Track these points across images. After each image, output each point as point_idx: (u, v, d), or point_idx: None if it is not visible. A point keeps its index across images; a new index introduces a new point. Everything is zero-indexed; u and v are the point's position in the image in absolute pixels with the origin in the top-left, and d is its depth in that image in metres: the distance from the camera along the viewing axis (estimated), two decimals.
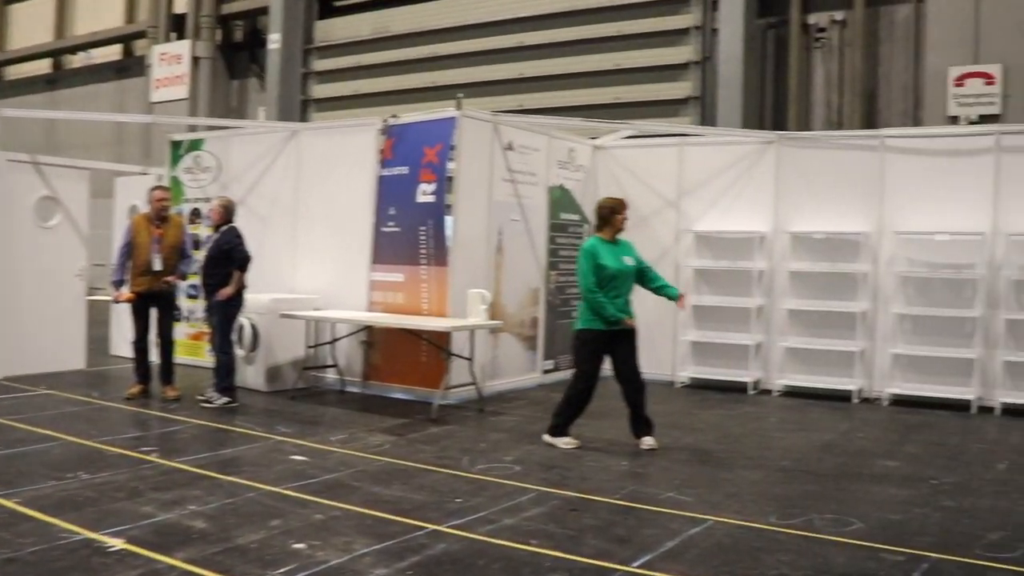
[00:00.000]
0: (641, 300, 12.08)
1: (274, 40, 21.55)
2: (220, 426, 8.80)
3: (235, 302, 9.78)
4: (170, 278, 9.99)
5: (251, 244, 9.95)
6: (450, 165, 10.37)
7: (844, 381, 11.11)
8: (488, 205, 10.87)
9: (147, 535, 5.48)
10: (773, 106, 15.88)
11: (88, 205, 12.23)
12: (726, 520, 6.06)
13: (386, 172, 10.89)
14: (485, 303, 9.95)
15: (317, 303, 11.06)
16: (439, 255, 10.34)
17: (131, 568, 4.95)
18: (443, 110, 10.77)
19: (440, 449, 8.00)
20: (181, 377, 10.44)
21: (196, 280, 10.76)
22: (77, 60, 28.64)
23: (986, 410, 10.35)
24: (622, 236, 8.45)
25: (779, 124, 15.26)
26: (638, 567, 5.17)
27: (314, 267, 11.53)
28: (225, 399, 9.71)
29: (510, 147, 11.14)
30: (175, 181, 12.91)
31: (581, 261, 8.10)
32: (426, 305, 10.43)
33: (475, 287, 10.13)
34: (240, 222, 10.12)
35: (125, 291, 9.96)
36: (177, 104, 23.31)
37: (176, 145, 13.12)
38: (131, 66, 26.24)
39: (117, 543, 5.31)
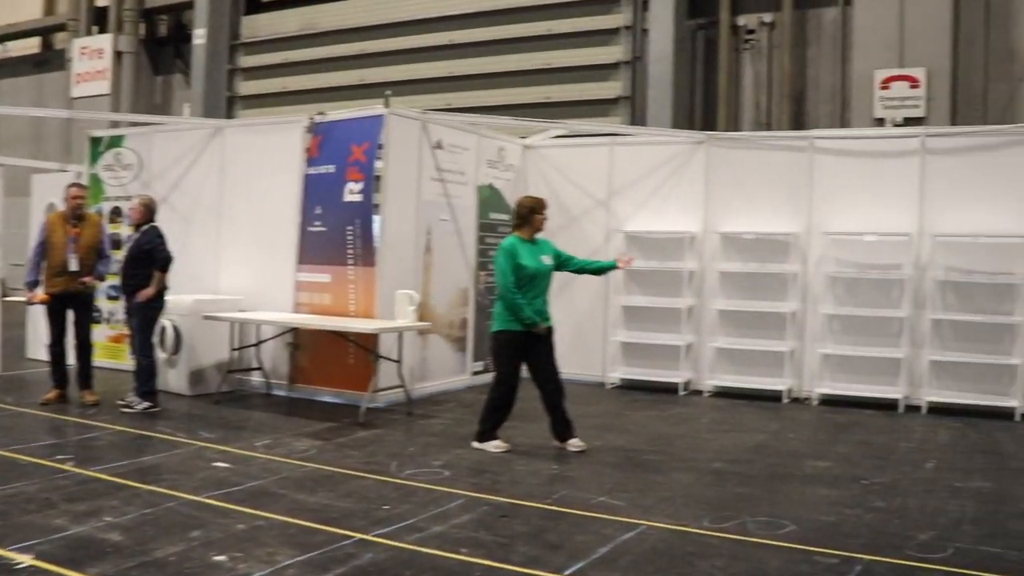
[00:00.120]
0: (572, 300, 12.19)
1: (199, 35, 21.12)
2: (140, 432, 8.52)
3: (156, 304, 9.50)
4: (87, 279, 9.67)
5: (173, 244, 9.67)
6: (378, 164, 10.20)
7: (774, 381, 11.16)
8: (416, 204, 10.72)
9: (58, 550, 5.24)
10: (703, 107, 15.93)
11: (3, 203, 11.84)
12: (659, 525, 5.99)
13: (312, 171, 10.69)
14: (413, 304, 9.80)
15: (242, 304, 10.81)
16: (366, 255, 10.17)
17: None
18: (371, 108, 10.60)
19: (368, 454, 7.84)
20: (100, 381, 10.12)
21: (116, 281, 10.43)
22: None
23: (913, 409, 10.47)
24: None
25: (708, 125, 15.32)
26: (570, 575, 5.08)
27: (238, 268, 11.27)
28: (146, 404, 9.42)
29: (439, 146, 11.00)
30: (95, 179, 12.55)
31: (499, 260, 7.98)
32: (353, 306, 10.25)
33: (403, 288, 9.98)
34: (162, 221, 9.83)
35: (39, 292, 9.62)
36: (99, 100, 22.71)
37: (96, 142, 12.75)
38: (50, 60, 25.52)
39: (25, 559, 5.07)
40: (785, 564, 5.31)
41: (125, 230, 11.63)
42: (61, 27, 24.99)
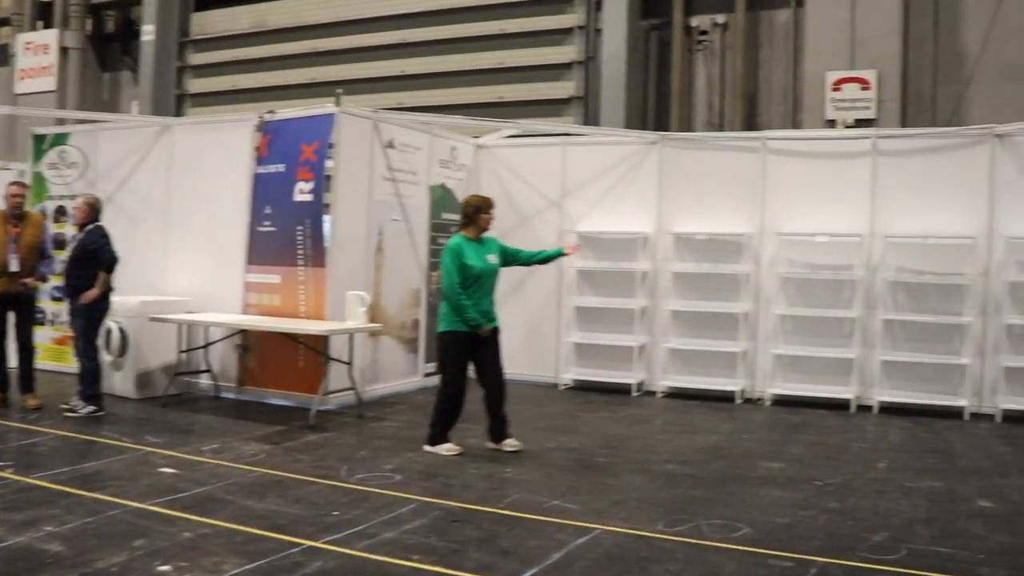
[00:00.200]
0: (525, 300, 12.14)
1: (147, 32, 20.74)
2: (84, 437, 8.32)
3: (101, 305, 9.30)
4: (28, 280, 9.43)
5: (119, 244, 9.49)
6: (328, 163, 10.09)
7: (727, 382, 11.19)
8: (368, 204, 10.60)
9: None
10: (655, 107, 15.91)
11: None
12: (613, 529, 5.93)
13: (262, 170, 10.55)
14: (364, 305, 9.69)
15: (190, 306, 10.62)
16: (317, 256, 10.04)
17: None
18: (321, 106, 10.48)
19: (318, 458, 7.71)
20: (43, 385, 9.89)
21: (60, 282, 10.20)
22: None
23: (865, 408, 10.55)
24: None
25: (661, 125, 15.31)
26: None
27: (186, 268, 11.09)
28: (91, 408, 9.22)
29: (391, 145, 10.89)
30: (38, 177, 12.29)
31: (445, 260, 7.91)
32: (303, 307, 10.11)
33: (354, 289, 9.87)
34: (108, 221, 9.65)
35: None
36: (44, 96, 22.24)
37: (40, 139, 12.49)
38: None
39: None
40: (740, 568, 5.28)
41: (69, 230, 11.39)
42: (5, 22, 24.45)
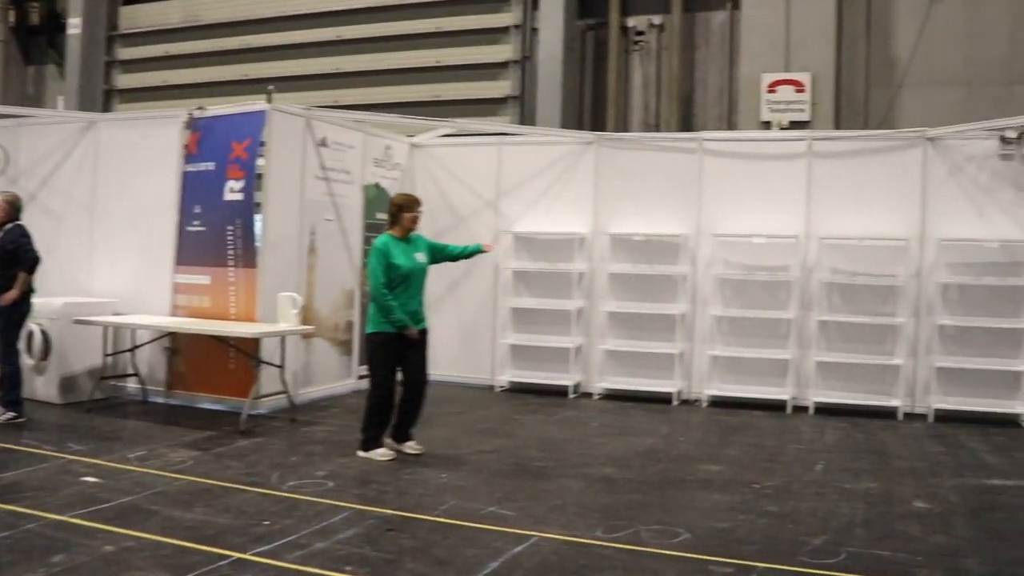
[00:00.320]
0: (460, 302, 12.02)
1: (74, 25, 20.22)
2: (3, 445, 7.97)
3: (21, 307, 8.97)
4: None
5: (42, 243, 9.19)
6: (260, 161, 9.89)
7: (664, 383, 11.17)
8: (300, 204, 10.40)
9: None
10: (592, 107, 15.88)
11: None
12: (551, 536, 5.83)
13: (191, 168, 10.29)
14: (296, 307, 9.50)
15: (116, 307, 10.31)
16: (248, 256, 9.81)
17: None
18: (252, 103, 10.24)
19: (248, 464, 7.50)
20: None
21: None
22: None
23: (801, 409, 10.60)
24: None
25: (597, 125, 15.28)
26: None
27: (112, 269, 10.75)
28: (10, 414, 8.90)
29: (324, 143, 10.69)
30: None
31: (371, 260, 7.79)
32: (234, 309, 9.88)
33: (286, 290, 9.67)
34: (29, 219, 9.35)
35: None
36: None
37: None
38: None
39: None
40: (681, 574, 5.21)
41: None
42: None
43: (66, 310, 9.94)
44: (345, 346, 11.20)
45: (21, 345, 9.30)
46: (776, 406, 10.63)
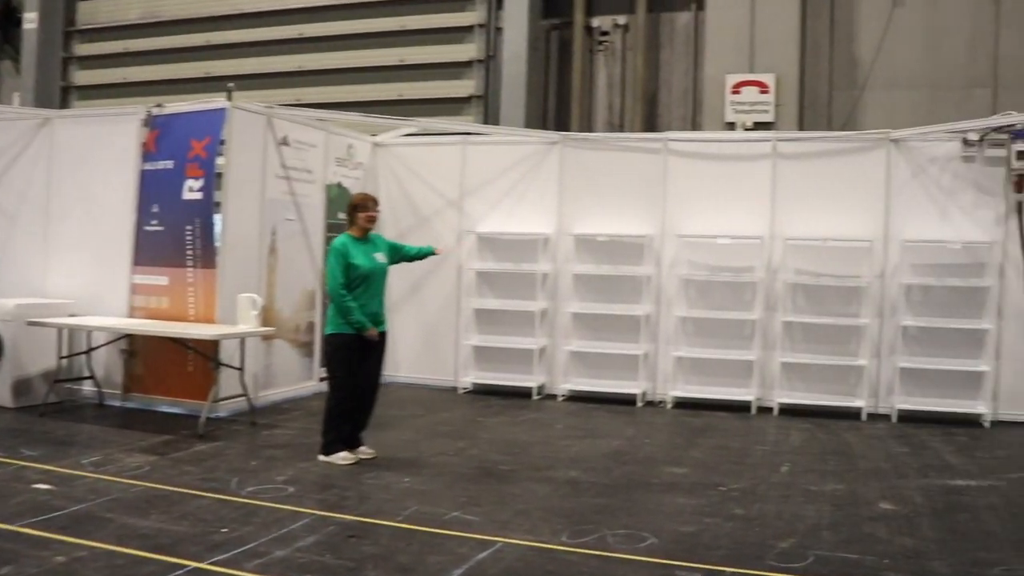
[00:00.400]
0: (423, 303, 11.92)
1: (30, 20, 19.87)
2: None
3: None
4: None
5: None
6: (219, 160, 9.72)
7: (628, 384, 11.12)
8: (261, 203, 10.25)
9: None
10: (556, 107, 15.82)
11: None
12: (516, 541, 5.73)
13: (149, 166, 10.10)
14: (256, 308, 9.34)
15: (71, 308, 10.08)
16: (207, 256, 9.65)
17: None
18: (212, 101, 10.07)
19: (206, 470, 7.35)
20: None
21: None
22: None
23: (765, 410, 10.60)
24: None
25: (561, 125, 15.21)
26: None
27: (68, 269, 10.51)
28: None
29: (285, 142, 10.55)
30: None
31: (330, 260, 7.69)
32: (193, 311, 9.71)
33: (246, 291, 9.51)
34: None
35: None
36: None
37: None
38: None
39: None
40: None
41: None
42: None
43: (19, 311, 9.71)
44: (306, 348, 11.05)
45: None
46: (741, 407, 10.62)
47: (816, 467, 8.00)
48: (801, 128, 13.34)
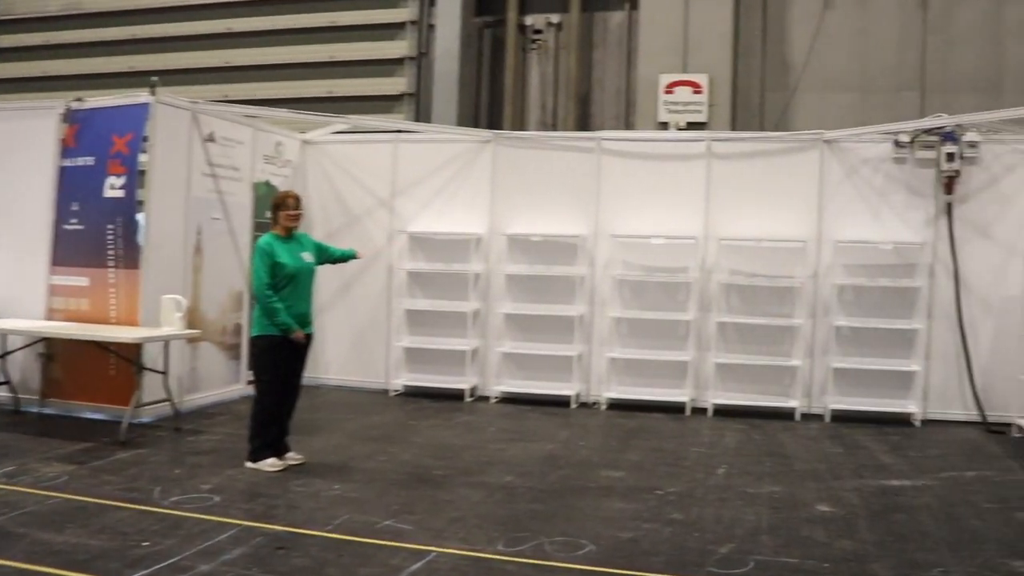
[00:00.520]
0: (353, 304, 11.70)
1: None
2: None
3: None
4: None
5: None
6: (142, 157, 9.40)
7: (562, 386, 11.02)
8: (185, 201, 9.94)
9: None
10: (488, 105, 15.70)
11: None
12: (451, 551, 5.57)
13: (68, 162, 9.75)
14: (181, 310, 9.04)
15: None
16: (129, 256, 9.34)
17: None
18: (135, 95, 9.74)
19: (128, 479, 7.06)
20: None
21: None
22: None
23: (699, 411, 10.57)
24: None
25: (494, 124, 15.09)
26: None
27: None
28: None
29: (211, 139, 10.25)
30: None
31: (255, 259, 7.48)
32: (114, 313, 9.39)
33: (170, 292, 9.21)
34: None
35: None
36: None
37: None
38: None
39: None
40: None
41: None
42: None
43: None
44: (233, 350, 10.76)
45: None
46: (675, 408, 10.58)
47: (752, 469, 7.96)
48: (733, 129, 13.37)
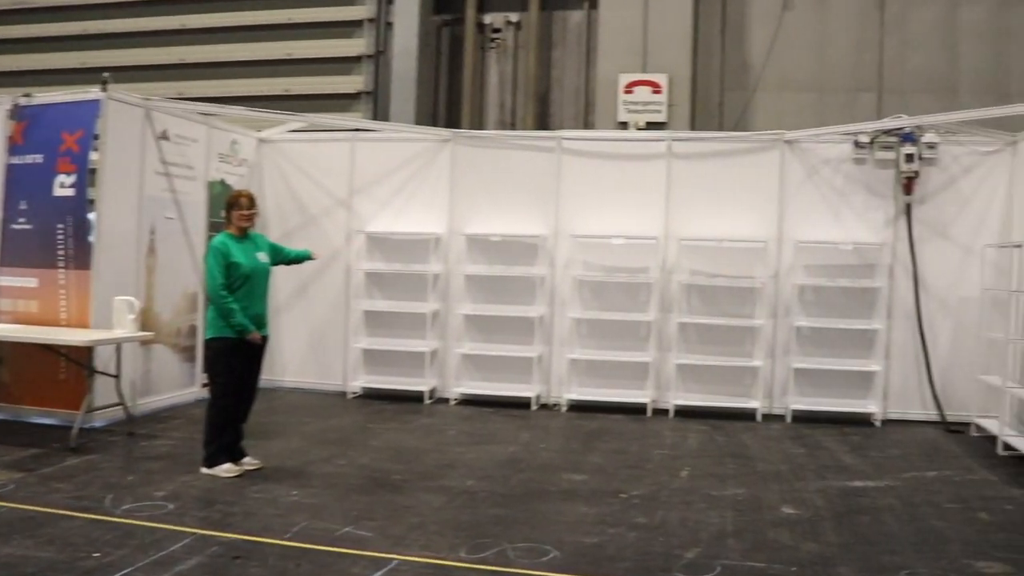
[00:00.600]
0: (310, 304, 11.55)
1: None
2: None
3: None
4: None
5: None
6: (93, 155, 9.18)
7: (522, 388, 10.94)
8: (138, 200, 9.73)
9: None
10: (447, 104, 15.58)
11: None
12: (412, 558, 5.45)
13: (16, 160, 9.51)
14: (133, 311, 8.81)
15: None
16: (80, 257, 9.12)
17: None
18: (86, 91, 9.50)
19: (78, 487, 6.85)
20: None
21: None
22: None
23: (661, 412, 10.52)
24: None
25: (452, 123, 14.95)
26: None
27: None
28: None
29: (164, 136, 10.04)
30: None
31: (209, 260, 7.30)
32: (65, 314, 9.17)
33: (122, 293, 8.96)
34: None
35: None
36: None
37: None
38: None
39: None
40: None
41: None
42: None
43: None
44: (188, 352, 10.56)
45: None
46: (636, 409, 10.53)
47: (716, 471, 7.91)
48: (693, 129, 13.34)
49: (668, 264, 10.76)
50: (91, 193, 9.23)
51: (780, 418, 10.35)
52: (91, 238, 9.15)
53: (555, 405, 10.86)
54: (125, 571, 5.09)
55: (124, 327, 8.80)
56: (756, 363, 10.50)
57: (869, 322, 10.41)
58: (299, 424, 9.51)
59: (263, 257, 7.52)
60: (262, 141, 11.91)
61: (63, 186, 9.20)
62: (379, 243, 11.48)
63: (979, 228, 10.30)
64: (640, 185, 10.85)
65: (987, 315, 9.87)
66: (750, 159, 10.77)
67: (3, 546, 5.46)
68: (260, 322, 7.42)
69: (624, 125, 13.46)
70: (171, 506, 6.39)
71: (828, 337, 10.46)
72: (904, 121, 10.18)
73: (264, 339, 7.47)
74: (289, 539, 5.76)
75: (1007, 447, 8.75)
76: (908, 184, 10.36)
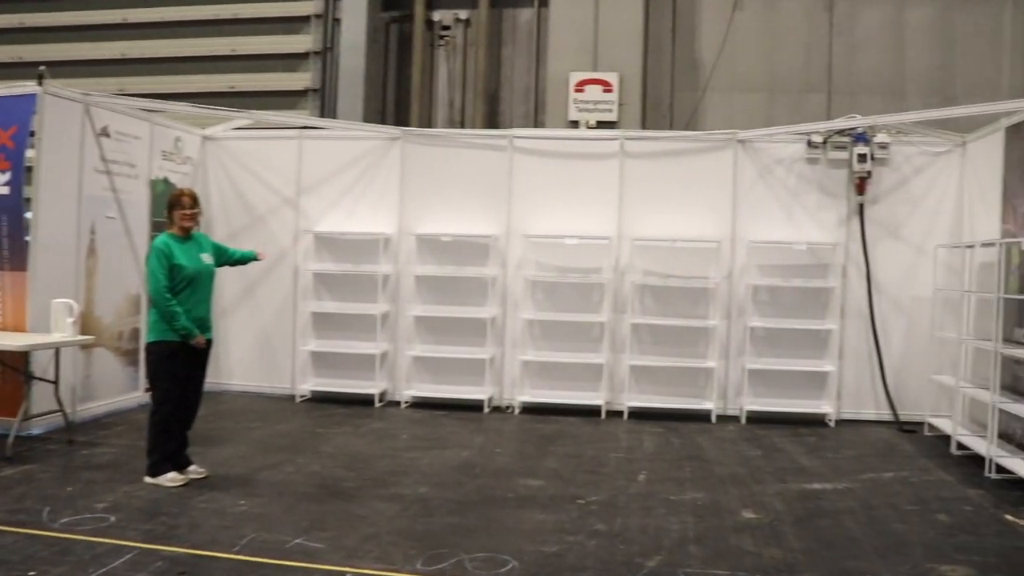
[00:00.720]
0: (257, 306, 11.30)
1: None
2: None
3: None
4: None
5: None
6: (29, 152, 8.85)
7: (475, 390, 10.78)
8: (78, 199, 9.42)
9: None
10: (395, 102, 15.37)
11: None
12: (366, 571, 5.26)
13: None
14: (73, 315, 8.51)
15: None
16: (16, 258, 8.83)
17: None
18: (21, 86, 9.17)
19: (13, 499, 6.55)
20: None
21: None
22: None
23: (615, 414, 10.43)
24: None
25: (400, 121, 14.75)
26: None
27: None
28: None
29: (105, 133, 9.74)
30: None
31: (151, 261, 7.06)
32: (0, 318, 8.81)
33: (61, 296, 8.67)
34: None
35: None
36: None
37: None
38: None
39: None
40: None
41: None
42: None
43: None
44: (130, 356, 10.25)
45: None
46: (590, 411, 10.42)
47: (673, 475, 7.80)
48: (643, 128, 13.26)
49: (621, 264, 10.66)
50: (27, 191, 8.91)
51: (735, 419, 10.31)
52: (28, 238, 8.83)
53: (508, 407, 10.71)
54: None
55: (63, 331, 8.50)
56: (710, 364, 10.43)
57: (823, 322, 10.39)
58: (246, 430, 9.25)
59: (207, 258, 7.29)
60: (207, 139, 11.62)
61: None
62: (327, 243, 11.25)
63: (931, 228, 10.34)
64: (593, 184, 10.75)
65: (939, 315, 9.89)
66: (703, 159, 10.70)
67: None
68: (204, 325, 7.17)
69: (575, 124, 13.34)
70: (113, 518, 6.12)
71: (782, 337, 10.43)
72: (857, 121, 10.17)
73: (208, 343, 7.22)
74: (237, 552, 5.53)
75: (960, 446, 8.76)
76: (861, 184, 10.36)
